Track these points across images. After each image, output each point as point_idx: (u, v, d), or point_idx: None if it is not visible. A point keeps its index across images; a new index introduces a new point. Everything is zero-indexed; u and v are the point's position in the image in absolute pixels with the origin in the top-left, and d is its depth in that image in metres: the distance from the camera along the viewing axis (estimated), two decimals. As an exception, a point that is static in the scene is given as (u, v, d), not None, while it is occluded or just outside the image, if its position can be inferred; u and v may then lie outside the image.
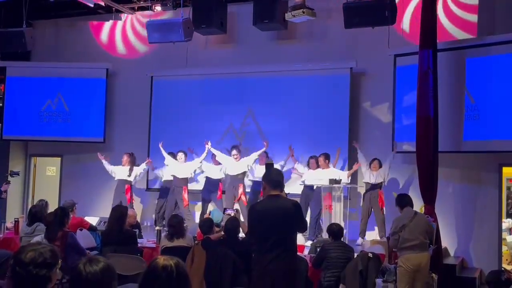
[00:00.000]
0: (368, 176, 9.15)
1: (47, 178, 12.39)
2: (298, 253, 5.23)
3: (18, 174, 10.22)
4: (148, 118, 11.24)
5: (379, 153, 9.43)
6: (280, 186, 4.68)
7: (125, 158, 10.11)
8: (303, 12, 8.58)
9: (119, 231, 6.60)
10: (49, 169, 12.44)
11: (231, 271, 5.68)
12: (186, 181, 10.05)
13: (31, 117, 11.50)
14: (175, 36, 9.68)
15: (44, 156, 12.36)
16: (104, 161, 10.21)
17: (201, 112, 10.80)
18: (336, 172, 9.22)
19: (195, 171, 10.18)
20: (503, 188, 9.12)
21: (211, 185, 10.07)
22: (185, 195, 9.95)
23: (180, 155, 10.05)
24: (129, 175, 10.03)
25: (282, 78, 10.43)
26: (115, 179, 10.14)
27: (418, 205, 7.78)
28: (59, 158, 12.06)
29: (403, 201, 6.56)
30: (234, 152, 9.80)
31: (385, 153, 9.37)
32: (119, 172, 10.12)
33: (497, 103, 8.24)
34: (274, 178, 4.67)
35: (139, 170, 10.15)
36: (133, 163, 10.15)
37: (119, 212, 6.81)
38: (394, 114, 9.39)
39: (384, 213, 9.03)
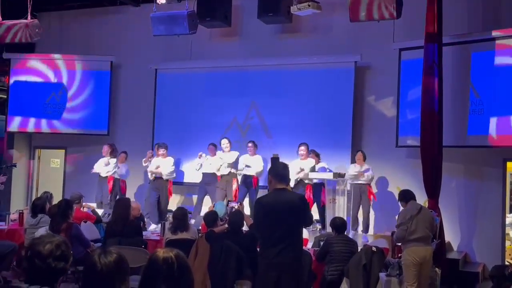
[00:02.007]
0: (353, 169, 8.99)
1: (51, 170, 12.42)
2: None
3: (15, 166, 10.41)
4: (152, 111, 11.23)
5: (382, 148, 9.43)
6: (286, 180, 4.69)
7: (106, 149, 10.06)
8: (309, 5, 8.55)
9: (124, 223, 6.61)
10: (53, 161, 12.47)
11: (235, 264, 5.70)
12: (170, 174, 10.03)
13: (36, 109, 11.51)
14: (180, 29, 9.65)
15: (48, 148, 12.39)
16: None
17: (205, 105, 10.79)
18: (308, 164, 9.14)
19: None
20: (507, 183, 9.08)
21: (208, 177, 9.86)
22: (170, 188, 9.92)
23: (162, 151, 9.93)
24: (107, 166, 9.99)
25: (286, 71, 10.39)
26: (94, 171, 10.09)
27: (422, 200, 7.77)
28: (63, 150, 12.10)
29: (408, 196, 6.52)
30: (225, 141, 9.67)
31: (389, 147, 9.37)
32: (98, 165, 10.08)
33: (502, 98, 8.21)
34: (280, 172, 4.67)
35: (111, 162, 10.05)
36: (114, 155, 10.11)
37: (123, 204, 6.83)
38: (398, 108, 9.37)
39: (371, 205, 8.94)
